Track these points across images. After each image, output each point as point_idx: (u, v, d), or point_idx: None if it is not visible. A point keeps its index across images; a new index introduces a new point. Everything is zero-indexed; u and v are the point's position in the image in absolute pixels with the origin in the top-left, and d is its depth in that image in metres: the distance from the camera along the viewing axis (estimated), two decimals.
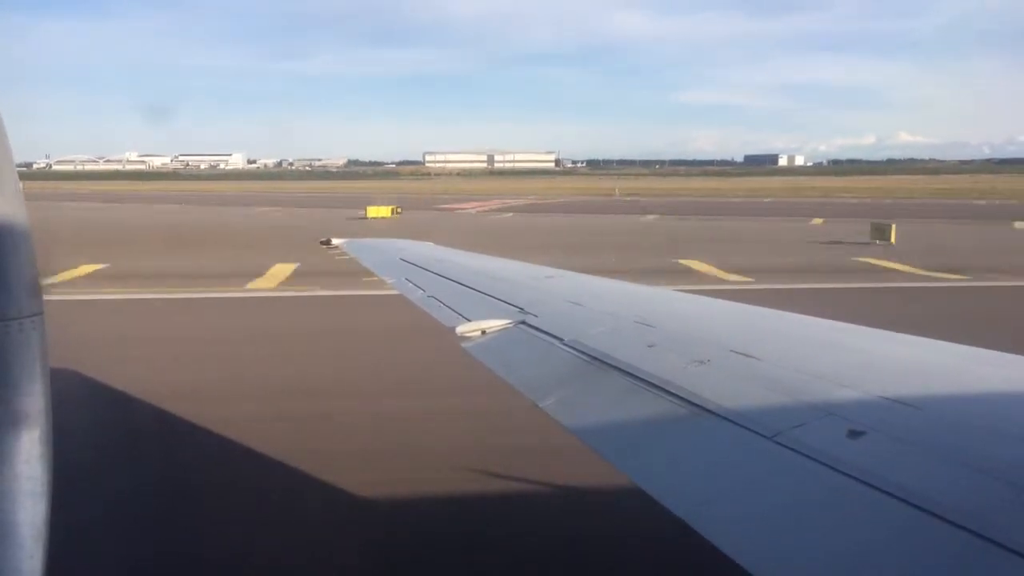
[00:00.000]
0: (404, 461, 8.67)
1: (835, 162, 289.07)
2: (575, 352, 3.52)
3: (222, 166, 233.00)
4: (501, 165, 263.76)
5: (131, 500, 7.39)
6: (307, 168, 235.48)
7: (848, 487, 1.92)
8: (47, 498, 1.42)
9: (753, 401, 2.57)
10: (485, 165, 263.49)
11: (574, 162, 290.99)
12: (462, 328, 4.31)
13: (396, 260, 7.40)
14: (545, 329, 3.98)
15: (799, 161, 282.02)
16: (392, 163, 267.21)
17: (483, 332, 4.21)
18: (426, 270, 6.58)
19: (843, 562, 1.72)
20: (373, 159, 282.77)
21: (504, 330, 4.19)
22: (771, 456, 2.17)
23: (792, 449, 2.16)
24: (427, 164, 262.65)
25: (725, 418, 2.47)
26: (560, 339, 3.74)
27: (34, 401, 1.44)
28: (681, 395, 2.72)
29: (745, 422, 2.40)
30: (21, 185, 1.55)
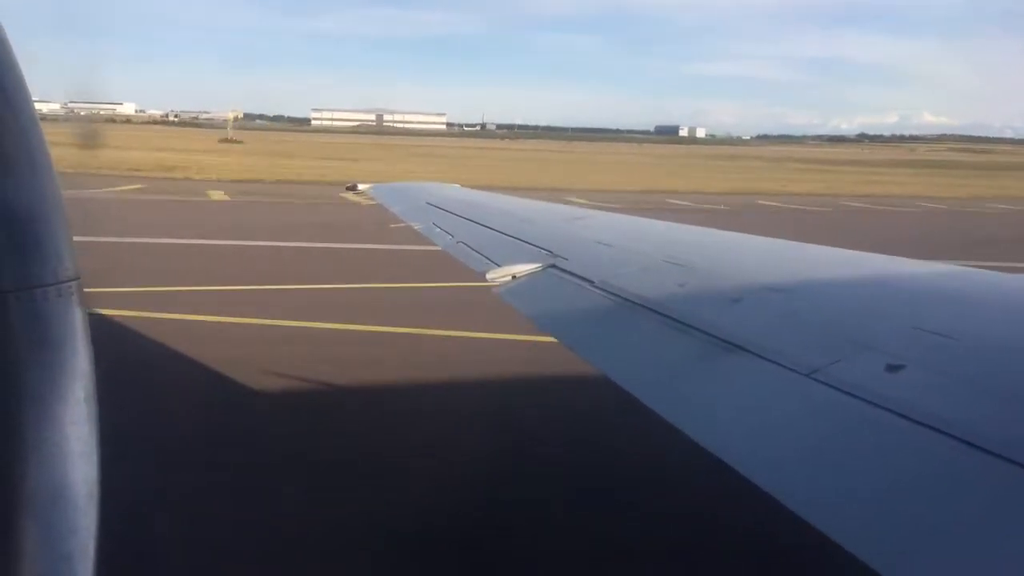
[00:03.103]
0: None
1: (764, 136, 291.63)
2: (605, 294, 3.51)
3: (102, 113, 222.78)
4: (391, 124, 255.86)
5: None
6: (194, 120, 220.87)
7: (888, 421, 1.90)
8: (96, 458, 1.47)
9: (788, 338, 2.55)
10: (374, 123, 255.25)
11: (470, 125, 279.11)
12: (492, 274, 4.32)
13: (423, 205, 7.36)
14: (575, 272, 3.97)
15: (700, 133, 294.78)
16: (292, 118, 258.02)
17: (513, 277, 4.22)
18: (454, 214, 6.55)
19: (884, 496, 1.72)
20: (264, 112, 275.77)
21: (534, 274, 4.18)
22: (809, 393, 2.16)
23: (830, 385, 2.14)
24: (313, 122, 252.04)
25: (760, 356, 2.45)
26: (590, 281, 3.73)
27: (77, 363, 1.48)
28: (715, 334, 2.70)
29: (781, 359, 2.38)
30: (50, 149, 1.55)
